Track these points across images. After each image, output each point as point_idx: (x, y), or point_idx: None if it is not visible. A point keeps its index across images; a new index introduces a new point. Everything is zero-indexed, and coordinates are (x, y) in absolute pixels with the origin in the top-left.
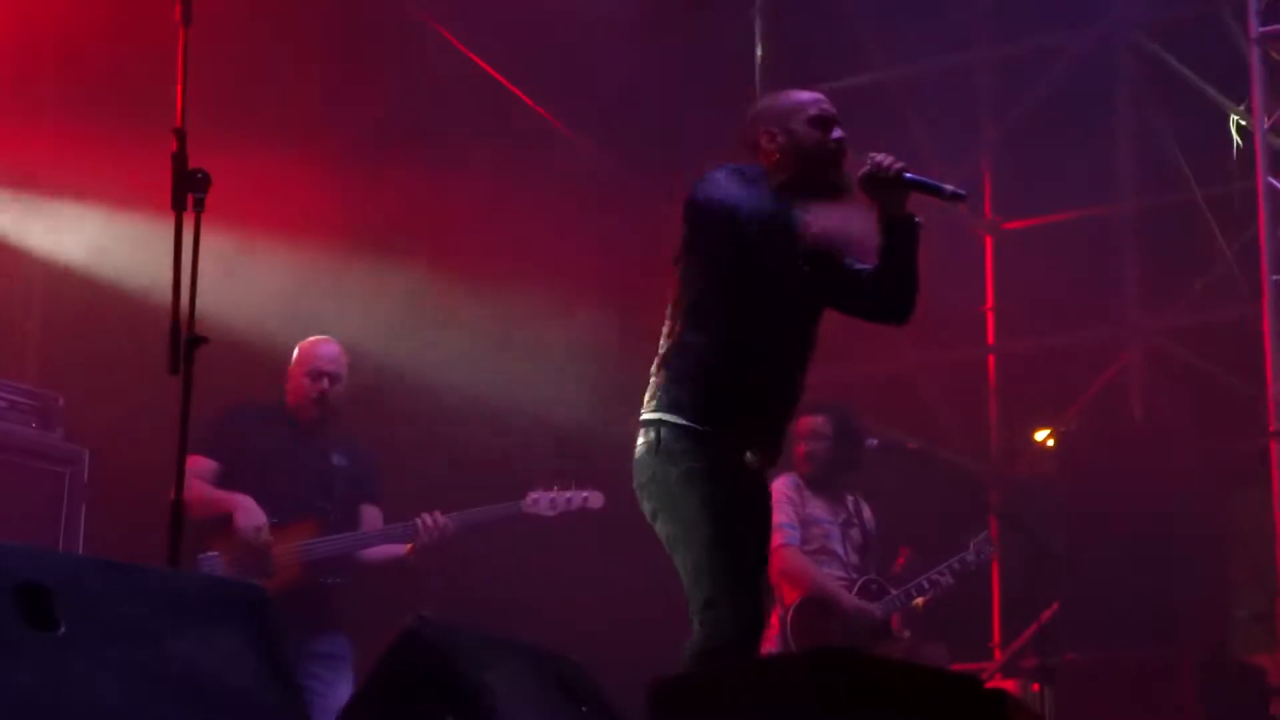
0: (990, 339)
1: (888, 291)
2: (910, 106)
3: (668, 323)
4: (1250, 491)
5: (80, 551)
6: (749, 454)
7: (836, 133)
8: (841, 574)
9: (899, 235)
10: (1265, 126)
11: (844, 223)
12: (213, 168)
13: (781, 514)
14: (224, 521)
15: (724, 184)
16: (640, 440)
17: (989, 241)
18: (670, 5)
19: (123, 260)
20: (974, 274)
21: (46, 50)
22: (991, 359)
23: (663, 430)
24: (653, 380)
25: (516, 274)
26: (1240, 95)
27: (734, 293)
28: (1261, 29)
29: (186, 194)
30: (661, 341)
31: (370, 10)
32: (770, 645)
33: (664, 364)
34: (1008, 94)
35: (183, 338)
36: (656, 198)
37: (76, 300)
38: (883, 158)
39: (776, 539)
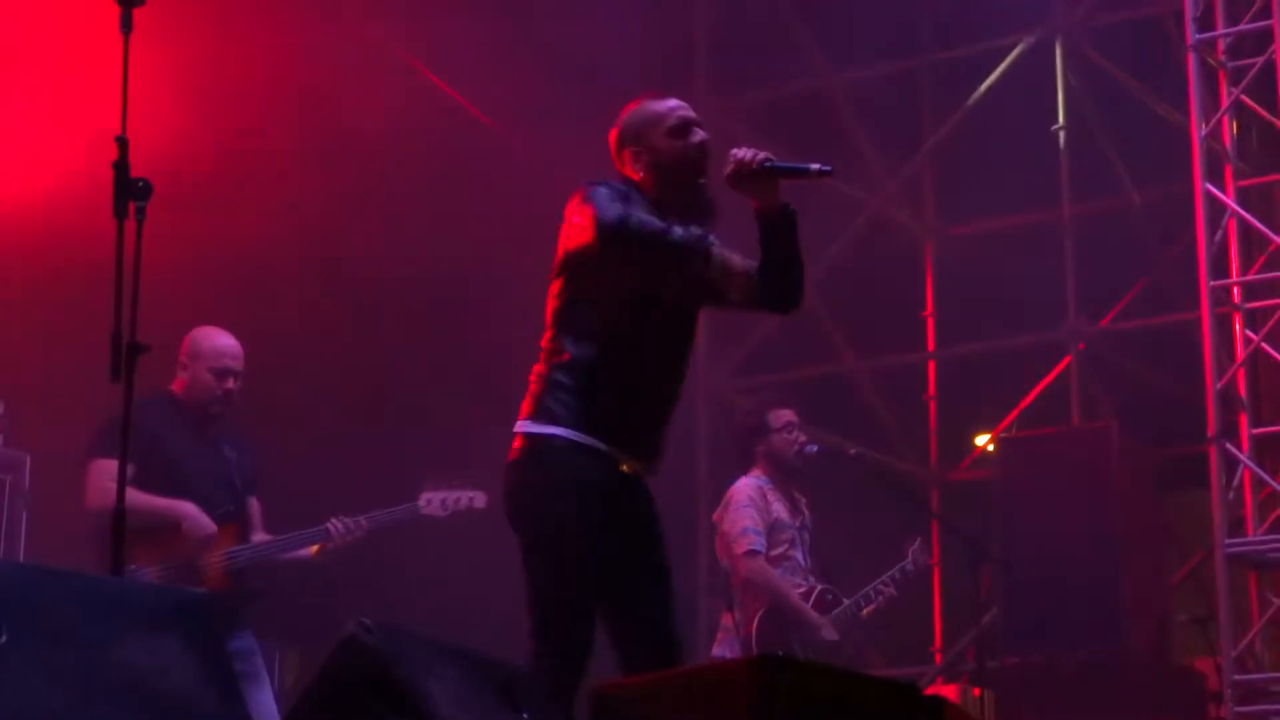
0: (931, 344)
1: (775, 284)
2: (851, 112)
3: (547, 332)
4: (1189, 496)
5: (21, 558)
6: (629, 463)
7: (696, 136)
8: (800, 581)
9: (777, 226)
10: (1203, 132)
11: None
12: None
13: (747, 519)
14: (157, 530)
15: (610, 203)
16: (511, 450)
17: (929, 246)
18: (607, 10)
19: (63, 264)
20: (914, 279)
21: None
22: (932, 364)
23: (527, 442)
24: (529, 390)
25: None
26: (1178, 101)
27: (617, 304)
28: (1198, 35)
29: (128, 202)
30: (541, 352)
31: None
32: (721, 649)
33: (542, 375)
34: (948, 99)
35: (124, 344)
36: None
37: (15, 305)
38: (744, 152)
39: (742, 545)
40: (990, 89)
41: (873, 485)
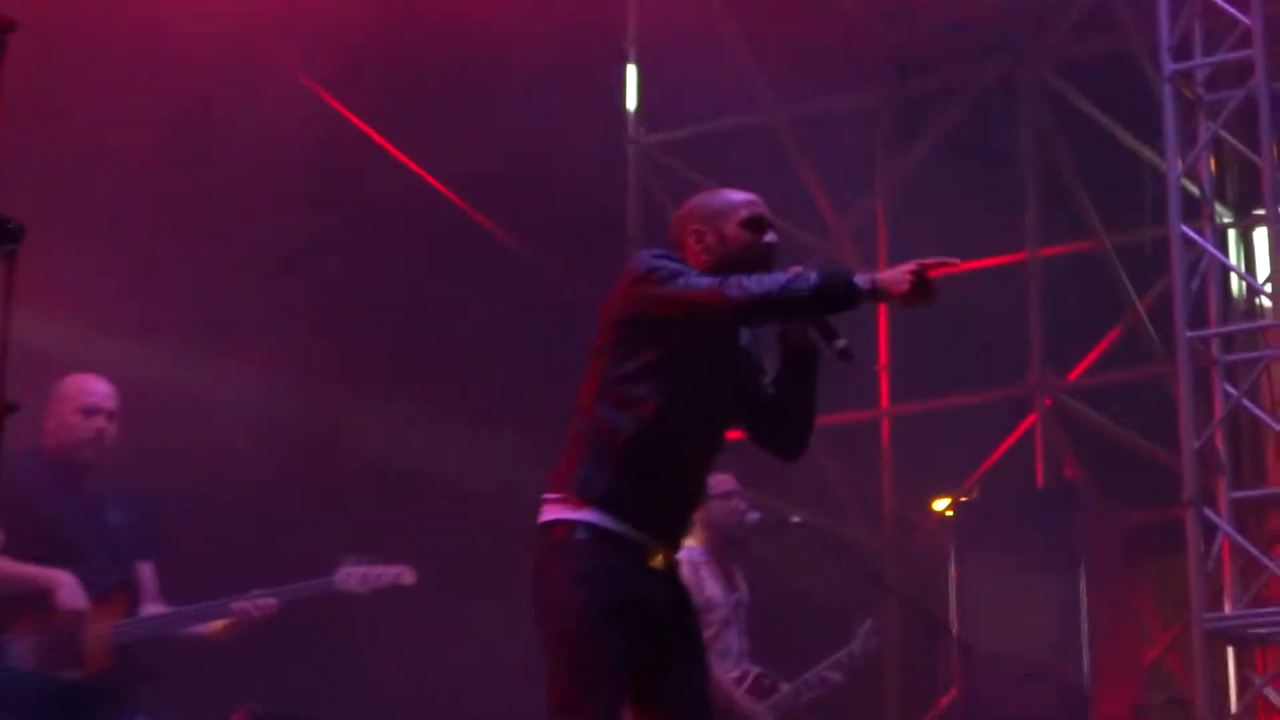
0: (884, 401)
1: (792, 421)
2: (800, 150)
3: (586, 401)
4: (1164, 564)
5: None
6: (656, 553)
7: (769, 236)
8: (732, 668)
9: (806, 364)
10: (1179, 170)
11: None
12: None
13: None
14: (32, 599)
15: (669, 261)
16: (540, 524)
17: None
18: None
19: None
20: (866, 331)
21: None
22: (885, 422)
23: (551, 532)
24: (563, 456)
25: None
26: (1152, 136)
27: (665, 374)
28: (1174, 66)
29: None
30: (577, 419)
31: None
32: None
33: (578, 444)
34: (904, 136)
35: None
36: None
37: None
38: None
39: None
40: (950, 124)
41: (820, 555)
